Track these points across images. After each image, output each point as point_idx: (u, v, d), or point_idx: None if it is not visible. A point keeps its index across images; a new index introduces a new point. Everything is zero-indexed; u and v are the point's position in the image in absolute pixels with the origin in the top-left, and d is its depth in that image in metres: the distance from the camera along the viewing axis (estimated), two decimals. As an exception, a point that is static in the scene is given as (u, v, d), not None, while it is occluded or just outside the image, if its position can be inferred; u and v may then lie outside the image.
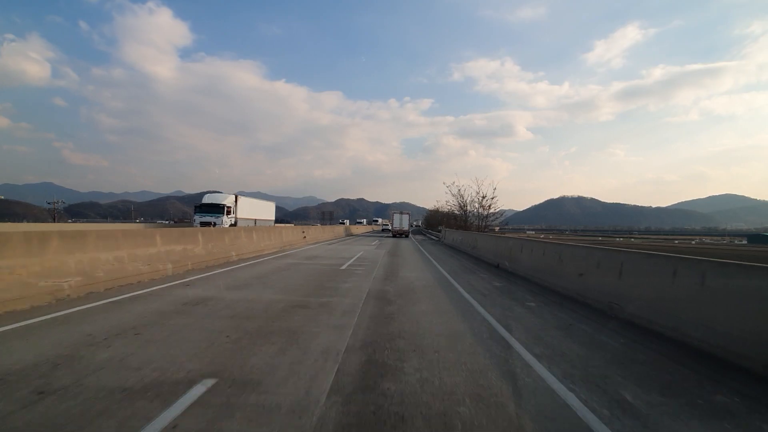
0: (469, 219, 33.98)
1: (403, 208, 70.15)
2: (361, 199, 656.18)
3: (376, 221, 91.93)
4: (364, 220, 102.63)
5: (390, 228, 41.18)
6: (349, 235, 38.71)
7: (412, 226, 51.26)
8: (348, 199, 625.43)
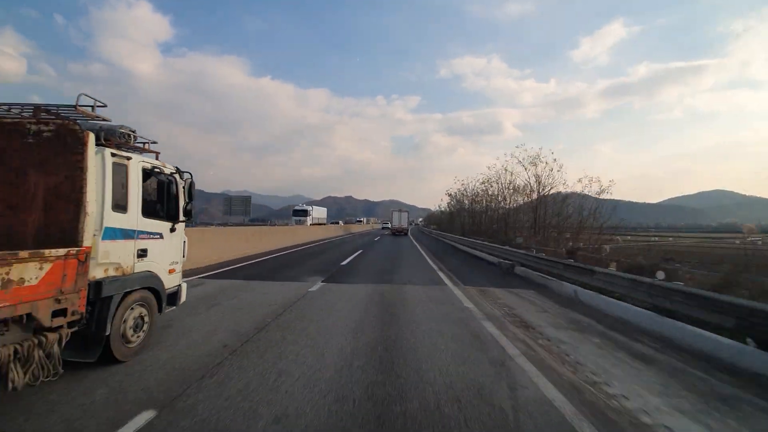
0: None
1: (392, 206, 67.47)
2: (349, 197, 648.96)
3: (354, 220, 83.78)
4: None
5: (389, 226, 43.74)
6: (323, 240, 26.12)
7: (411, 224, 52.77)
8: (335, 197, 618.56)
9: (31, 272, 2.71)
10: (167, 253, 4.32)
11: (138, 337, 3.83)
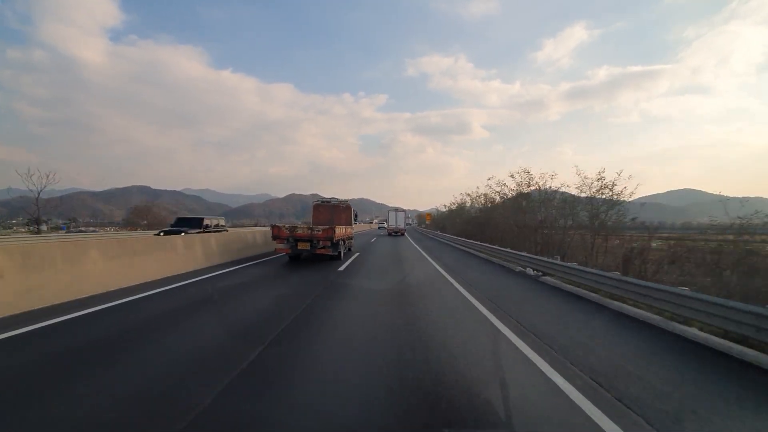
0: None
1: (362, 204, 76.44)
2: (315, 195, 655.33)
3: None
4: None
5: (385, 226, 46.95)
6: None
7: (408, 223, 55.00)
8: (300, 195, 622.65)
9: (343, 230, 19.12)
10: (353, 229, 20.94)
11: (352, 245, 20.64)
